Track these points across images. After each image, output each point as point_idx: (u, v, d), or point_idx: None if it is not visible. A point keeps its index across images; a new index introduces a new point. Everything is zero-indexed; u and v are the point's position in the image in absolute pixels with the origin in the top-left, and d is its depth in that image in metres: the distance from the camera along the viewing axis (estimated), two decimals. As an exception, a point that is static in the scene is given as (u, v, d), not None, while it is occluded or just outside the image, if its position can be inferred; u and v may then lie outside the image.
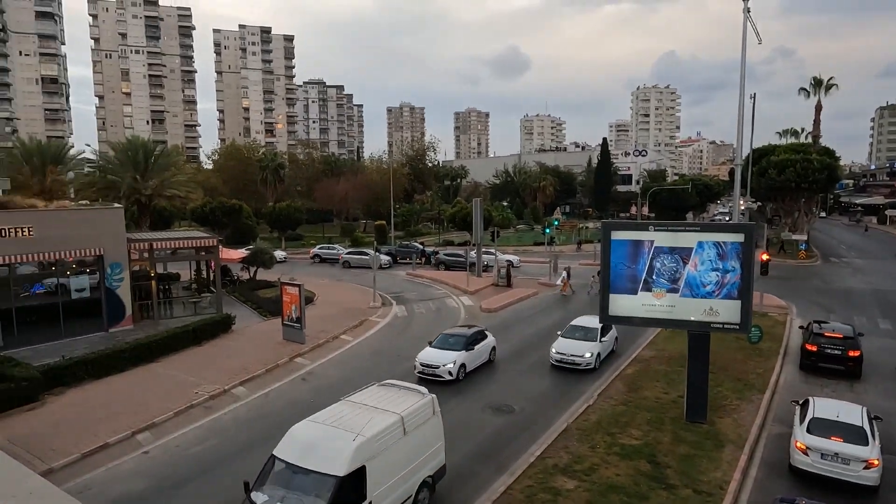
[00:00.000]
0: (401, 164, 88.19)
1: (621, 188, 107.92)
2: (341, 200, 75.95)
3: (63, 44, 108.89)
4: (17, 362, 18.53)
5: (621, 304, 15.94)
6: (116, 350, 20.90)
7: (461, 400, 18.34)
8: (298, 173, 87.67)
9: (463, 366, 20.23)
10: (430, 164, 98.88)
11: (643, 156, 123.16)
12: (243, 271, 38.82)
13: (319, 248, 54.18)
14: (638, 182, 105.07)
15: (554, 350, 21.36)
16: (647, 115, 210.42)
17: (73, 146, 60.80)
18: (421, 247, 53.45)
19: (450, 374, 19.73)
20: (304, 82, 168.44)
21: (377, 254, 39.35)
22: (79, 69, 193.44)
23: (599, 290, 17.04)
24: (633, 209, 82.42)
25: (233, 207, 52.18)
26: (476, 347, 21.26)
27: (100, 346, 21.73)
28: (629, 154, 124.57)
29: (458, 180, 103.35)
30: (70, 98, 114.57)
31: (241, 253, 38.87)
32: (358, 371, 21.29)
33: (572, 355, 20.83)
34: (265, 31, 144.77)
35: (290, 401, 18.46)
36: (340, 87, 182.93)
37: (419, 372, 20.12)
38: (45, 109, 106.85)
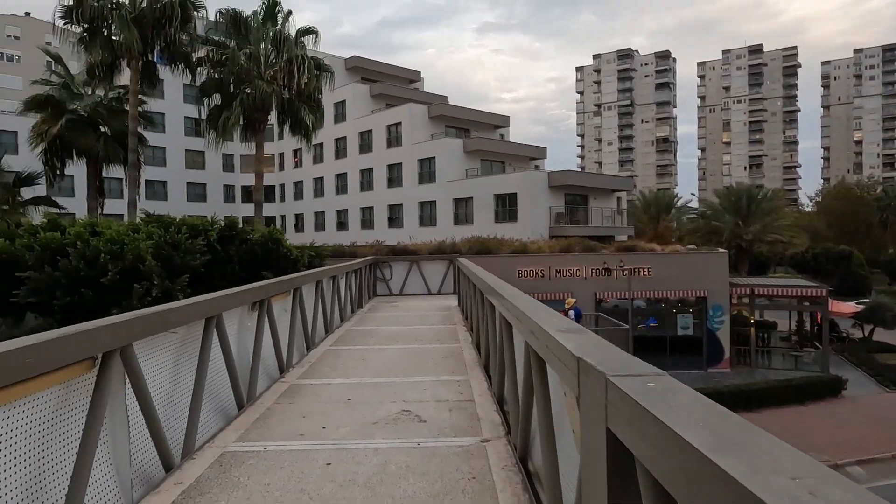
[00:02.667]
0: None
1: None
2: None
3: (674, 107, 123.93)
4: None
5: None
6: (716, 391, 21.36)
7: None
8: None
9: None
10: None
11: None
12: (855, 328, 33.40)
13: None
14: None
15: None
16: None
17: (679, 196, 67.64)
18: None
19: None
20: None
21: None
22: (683, 127, 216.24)
23: None
24: None
25: (841, 254, 45.99)
26: None
27: (698, 384, 22.71)
28: None
29: None
30: (676, 154, 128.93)
31: (853, 307, 33.56)
32: None
33: None
34: (888, 50, 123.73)
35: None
36: None
37: None
38: (657, 165, 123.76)
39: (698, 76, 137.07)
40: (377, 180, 44.48)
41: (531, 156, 44.38)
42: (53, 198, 23.20)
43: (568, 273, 26.03)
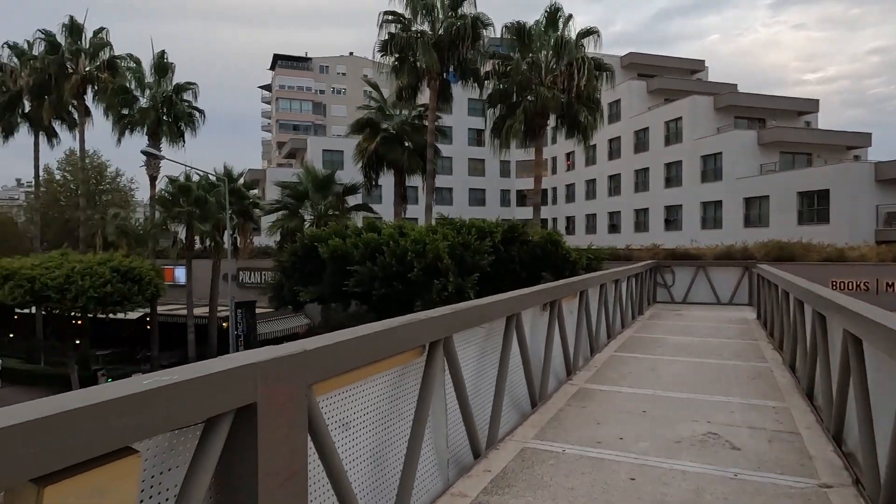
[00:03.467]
0: None
1: None
2: None
3: None
4: None
5: None
6: None
7: None
8: None
9: None
10: None
11: None
12: None
13: None
14: None
15: None
16: None
17: None
18: None
19: None
20: None
21: None
22: None
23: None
24: None
25: None
26: None
27: None
28: None
29: None
30: None
31: None
32: None
33: None
34: None
35: None
36: None
37: None
38: None
39: None
40: (653, 180, 42.13)
41: (848, 144, 36.90)
42: (368, 204, 27.67)
43: (905, 287, 20.83)
